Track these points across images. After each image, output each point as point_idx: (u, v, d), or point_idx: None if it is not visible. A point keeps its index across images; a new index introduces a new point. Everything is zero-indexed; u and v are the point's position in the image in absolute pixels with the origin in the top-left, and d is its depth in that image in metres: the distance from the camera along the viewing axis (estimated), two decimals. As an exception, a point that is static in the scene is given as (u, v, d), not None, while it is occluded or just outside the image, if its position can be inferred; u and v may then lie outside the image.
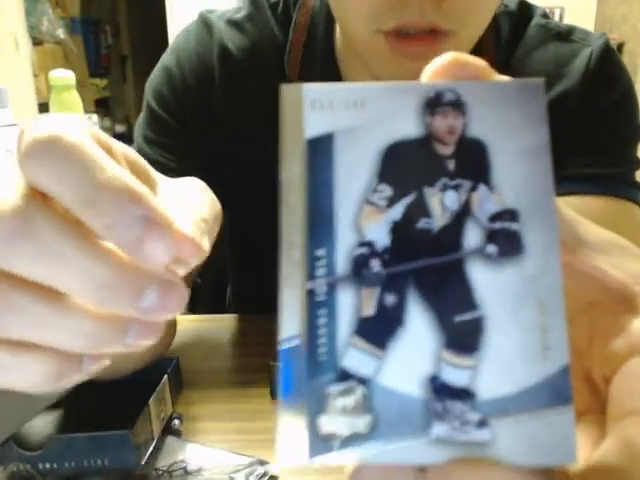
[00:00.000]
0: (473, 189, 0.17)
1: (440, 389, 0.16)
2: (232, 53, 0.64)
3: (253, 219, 0.66)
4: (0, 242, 0.20)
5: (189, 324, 0.69)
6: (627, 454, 0.16)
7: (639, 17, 2.66)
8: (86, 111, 1.38)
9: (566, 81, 0.62)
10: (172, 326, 0.59)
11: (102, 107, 3.99)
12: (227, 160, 0.65)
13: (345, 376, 0.16)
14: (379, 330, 0.17)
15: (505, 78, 0.18)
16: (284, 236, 0.17)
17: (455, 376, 0.16)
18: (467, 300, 0.17)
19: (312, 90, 0.18)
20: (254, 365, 0.60)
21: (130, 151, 0.26)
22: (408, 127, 0.17)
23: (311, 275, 0.17)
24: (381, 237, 0.17)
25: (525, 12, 0.66)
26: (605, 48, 0.63)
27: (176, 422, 0.50)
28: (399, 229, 0.17)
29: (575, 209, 0.20)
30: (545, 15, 0.67)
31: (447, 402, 0.16)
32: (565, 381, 0.16)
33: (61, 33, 3.29)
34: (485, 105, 0.17)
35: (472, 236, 0.17)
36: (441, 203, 0.17)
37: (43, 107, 2.77)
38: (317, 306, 0.17)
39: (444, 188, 0.17)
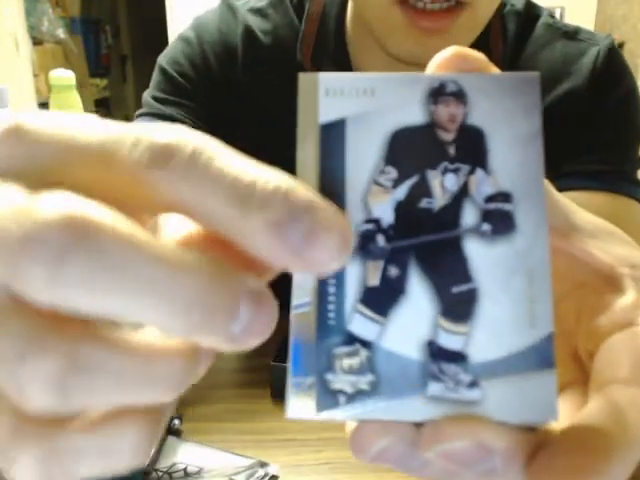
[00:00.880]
0: (471, 172, 0.19)
1: (436, 352, 0.18)
2: (257, 36, 0.66)
3: None
4: (46, 265, 0.14)
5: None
6: (607, 415, 0.17)
7: (639, 17, 2.66)
8: (86, 111, 1.38)
9: (573, 79, 0.63)
10: None
11: (102, 107, 3.99)
12: (242, 139, 0.66)
13: (351, 339, 0.18)
14: (382, 299, 0.18)
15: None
16: None
17: (450, 341, 0.18)
18: (463, 273, 0.18)
19: (326, 79, 0.19)
20: (254, 365, 0.60)
21: None
22: (413, 114, 0.19)
23: None
24: (386, 215, 0.19)
25: (532, 11, 0.67)
26: (611, 48, 0.64)
27: (176, 422, 0.50)
28: (403, 208, 0.19)
29: (577, 204, 0.21)
30: (552, 15, 0.68)
31: (442, 364, 0.18)
32: (549, 347, 0.18)
33: (61, 33, 3.29)
34: (484, 95, 0.19)
35: (469, 215, 0.19)
36: (442, 185, 0.19)
37: (43, 107, 2.77)
38: (327, 276, 0.18)
39: (445, 171, 0.19)
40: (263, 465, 0.46)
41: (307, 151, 0.19)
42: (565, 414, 0.19)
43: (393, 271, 0.18)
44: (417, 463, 0.18)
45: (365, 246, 0.18)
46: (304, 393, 0.18)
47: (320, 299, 0.18)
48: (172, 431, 0.49)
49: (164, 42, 2.55)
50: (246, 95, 0.66)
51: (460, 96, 0.19)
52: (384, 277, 0.18)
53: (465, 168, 0.19)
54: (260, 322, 0.16)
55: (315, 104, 0.19)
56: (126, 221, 0.15)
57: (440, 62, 0.19)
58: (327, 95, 0.19)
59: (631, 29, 2.69)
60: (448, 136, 0.19)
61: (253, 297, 0.16)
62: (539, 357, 0.18)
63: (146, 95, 0.67)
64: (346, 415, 0.18)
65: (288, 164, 0.20)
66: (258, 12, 0.67)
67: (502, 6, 0.66)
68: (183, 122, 0.63)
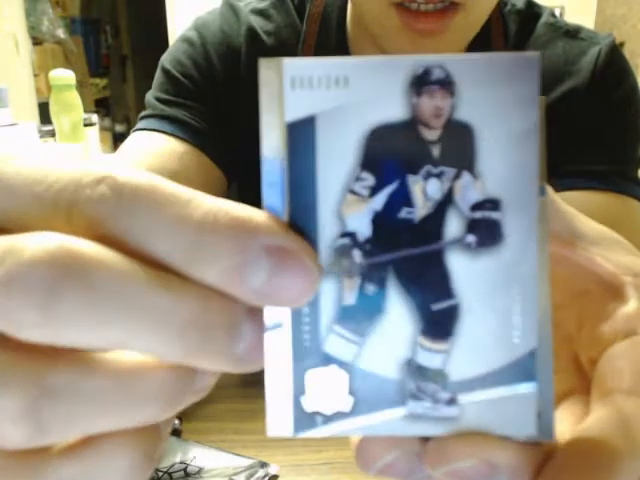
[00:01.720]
0: (457, 177, 0.17)
1: (415, 371, 0.17)
2: (260, 36, 0.66)
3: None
4: (37, 304, 0.13)
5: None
6: (611, 426, 0.17)
7: (639, 17, 2.65)
8: (86, 111, 1.38)
9: (575, 78, 0.63)
10: None
11: (102, 107, 3.99)
12: (245, 139, 0.66)
13: (327, 360, 0.17)
14: (359, 318, 0.17)
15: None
16: None
17: (429, 359, 0.17)
18: (444, 289, 0.17)
19: (292, 66, 0.16)
20: (254, 365, 0.60)
21: None
22: (393, 109, 0.16)
23: None
24: (363, 227, 0.17)
25: (533, 10, 0.67)
26: (612, 47, 0.64)
27: (176, 422, 0.50)
28: (381, 219, 0.17)
29: (578, 204, 0.21)
30: (553, 14, 0.68)
31: (421, 383, 0.17)
32: (531, 363, 0.17)
33: (61, 33, 3.29)
34: (475, 83, 0.16)
35: (453, 225, 0.17)
36: (423, 192, 0.17)
37: (43, 107, 2.76)
38: None
39: (427, 176, 0.17)
40: (263, 465, 0.46)
41: (272, 155, 0.17)
42: (567, 423, 0.19)
43: (370, 288, 0.17)
44: (422, 477, 0.18)
45: (340, 262, 0.17)
46: (282, 413, 0.17)
47: (294, 319, 0.17)
48: (172, 431, 0.49)
49: (164, 42, 2.55)
50: (249, 95, 0.66)
51: (447, 85, 0.16)
52: (361, 295, 0.17)
53: (450, 172, 0.17)
54: (261, 341, 0.16)
55: (280, 98, 0.16)
56: (109, 251, 0.14)
57: None
58: (293, 87, 0.16)
59: (631, 29, 2.69)
60: (432, 134, 0.17)
61: (255, 315, 0.16)
62: (519, 371, 0.17)
63: (149, 96, 0.67)
64: (325, 434, 0.18)
65: None
66: (260, 13, 0.67)
67: (503, 5, 0.66)
68: (187, 123, 0.63)
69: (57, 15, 3.35)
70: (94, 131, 1.42)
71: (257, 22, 0.67)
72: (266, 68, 0.16)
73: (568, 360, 0.21)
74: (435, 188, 0.17)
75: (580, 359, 0.21)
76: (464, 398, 0.17)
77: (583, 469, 0.16)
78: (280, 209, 0.17)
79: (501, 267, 0.17)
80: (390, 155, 0.17)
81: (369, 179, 0.17)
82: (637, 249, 0.22)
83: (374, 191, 0.17)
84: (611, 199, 0.61)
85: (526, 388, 0.17)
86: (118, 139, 3.76)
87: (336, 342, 0.17)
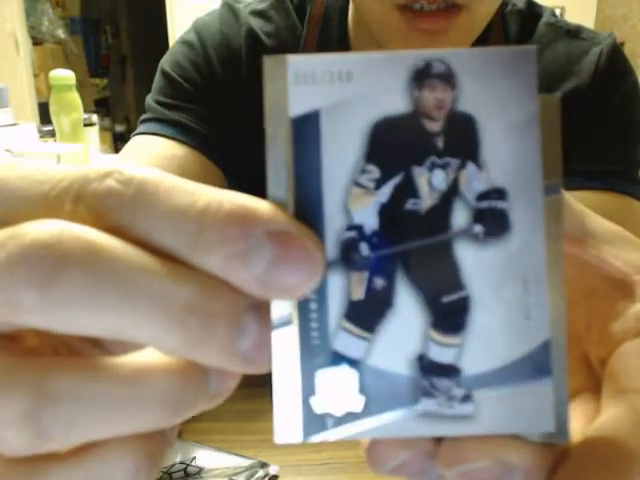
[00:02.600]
0: (461, 167, 0.17)
1: (427, 367, 0.17)
2: (260, 38, 0.66)
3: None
4: (39, 286, 0.13)
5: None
6: (624, 425, 0.17)
7: (639, 17, 2.66)
8: (86, 111, 1.38)
9: (576, 78, 0.63)
10: None
11: (102, 107, 3.99)
12: (246, 140, 0.66)
13: (336, 359, 0.17)
14: (368, 313, 0.17)
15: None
16: None
17: (441, 354, 0.17)
18: (454, 280, 0.17)
19: (296, 62, 0.17)
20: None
21: None
22: (395, 102, 0.17)
23: None
24: (370, 220, 0.17)
25: (534, 10, 0.67)
26: (614, 47, 0.64)
27: (176, 422, 0.50)
28: (387, 211, 0.17)
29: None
30: (553, 14, 0.68)
31: (434, 379, 0.17)
32: (546, 355, 0.17)
33: (61, 33, 3.29)
34: (475, 76, 0.17)
35: (460, 216, 0.17)
36: (429, 183, 0.17)
37: (43, 107, 2.76)
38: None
39: (432, 167, 0.17)
40: (263, 465, 0.46)
41: (277, 151, 0.17)
42: (578, 422, 0.19)
43: (379, 282, 0.17)
44: (434, 476, 0.17)
45: (347, 256, 0.17)
46: (290, 418, 0.17)
47: (302, 316, 0.17)
48: (172, 431, 0.49)
49: (164, 42, 2.55)
50: (250, 96, 0.66)
51: (448, 78, 0.17)
52: (369, 289, 0.17)
53: (455, 162, 0.17)
54: (267, 334, 0.15)
55: (284, 94, 0.17)
56: (111, 237, 0.14)
57: None
58: (297, 83, 0.17)
59: (631, 29, 2.69)
60: (435, 126, 0.17)
61: (259, 310, 0.15)
62: (535, 366, 0.17)
63: (149, 100, 0.67)
64: (335, 437, 0.17)
65: None
66: (260, 14, 0.67)
67: (503, 5, 0.66)
68: (187, 126, 0.63)
69: (57, 15, 3.35)
70: (94, 131, 1.42)
71: (257, 23, 0.66)
72: (270, 65, 0.17)
73: (577, 359, 0.21)
74: (440, 179, 0.17)
75: (589, 358, 0.21)
76: (479, 394, 0.17)
77: (599, 470, 0.16)
78: (285, 203, 0.17)
79: (509, 256, 0.17)
80: (394, 147, 0.17)
81: (374, 171, 0.17)
82: None
83: (379, 183, 0.17)
84: (612, 199, 0.61)
85: (542, 382, 0.17)
86: (118, 139, 3.76)
87: (345, 339, 0.17)
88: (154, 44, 2.71)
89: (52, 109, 1.31)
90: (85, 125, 1.35)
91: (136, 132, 0.66)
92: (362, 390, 0.17)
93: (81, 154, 1.11)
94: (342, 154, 0.17)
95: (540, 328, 0.17)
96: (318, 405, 0.17)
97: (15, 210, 0.15)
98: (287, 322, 0.17)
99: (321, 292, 0.17)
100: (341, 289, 0.17)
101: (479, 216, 0.17)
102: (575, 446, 0.17)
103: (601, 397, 0.19)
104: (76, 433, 0.14)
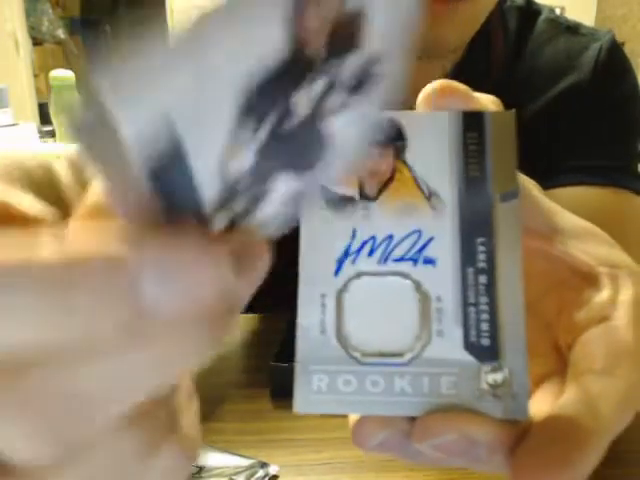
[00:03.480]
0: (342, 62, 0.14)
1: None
2: None
3: None
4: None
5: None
6: (580, 405, 0.19)
7: (639, 17, 2.66)
8: (86, 111, 1.37)
9: (576, 74, 0.64)
10: None
11: (102, 107, 3.99)
12: None
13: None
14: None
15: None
16: None
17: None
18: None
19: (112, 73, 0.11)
20: (254, 365, 0.60)
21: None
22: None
23: None
24: (247, 162, 0.14)
25: (532, 7, 0.68)
26: (613, 43, 0.65)
27: (176, 422, 0.50)
28: (266, 145, 0.14)
29: (579, 199, 0.22)
30: (552, 10, 0.69)
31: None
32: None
33: (61, 33, 3.29)
34: None
35: (334, 99, 0.14)
36: (308, 96, 0.14)
37: (43, 107, 2.76)
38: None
39: (311, 81, 0.14)
40: (263, 465, 0.46)
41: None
42: (546, 403, 0.20)
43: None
44: (412, 451, 0.19)
45: (232, 208, 0.15)
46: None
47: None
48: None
49: (164, 42, 2.55)
50: None
51: None
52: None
53: (336, 62, 0.14)
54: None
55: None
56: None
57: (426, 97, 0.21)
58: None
59: (631, 29, 2.69)
60: (318, 49, 0.13)
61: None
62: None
63: None
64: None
65: None
66: None
67: (502, 1, 0.66)
68: None
69: (57, 15, 3.35)
70: (94, 131, 1.42)
71: None
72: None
73: (548, 345, 0.23)
74: (320, 86, 0.14)
75: (559, 344, 0.23)
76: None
77: (555, 446, 0.18)
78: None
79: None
80: (269, 89, 0.13)
81: (250, 122, 0.14)
82: (638, 242, 0.23)
83: (256, 128, 0.14)
84: (612, 194, 0.61)
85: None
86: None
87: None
88: (154, 44, 2.70)
89: (52, 109, 1.31)
90: (85, 125, 1.35)
91: None
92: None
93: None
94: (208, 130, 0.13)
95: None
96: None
97: None
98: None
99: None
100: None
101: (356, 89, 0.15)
102: (536, 423, 0.19)
103: (566, 379, 0.20)
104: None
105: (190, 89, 0.12)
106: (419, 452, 0.19)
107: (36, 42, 3.14)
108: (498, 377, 0.19)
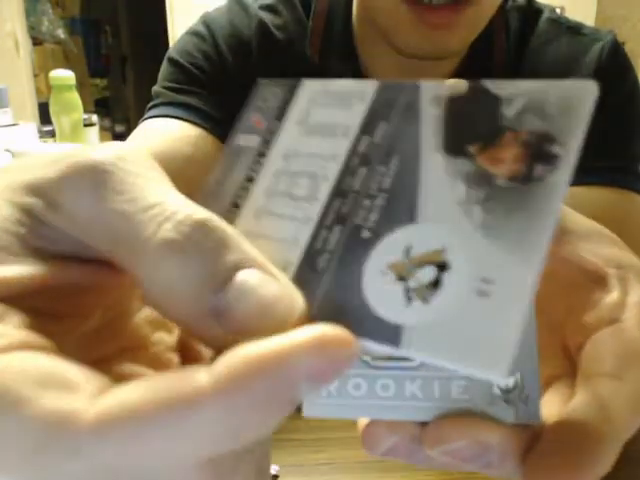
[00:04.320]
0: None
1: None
2: (271, 31, 0.66)
3: None
4: None
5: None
6: (592, 409, 0.19)
7: (639, 17, 2.66)
8: (86, 111, 1.38)
9: (578, 74, 0.64)
10: None
11: (102, 107, 3.99)
12: None
13: None
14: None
15: None
16: None
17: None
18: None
19: None
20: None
21: None
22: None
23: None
24: None
25: (534, 7, 0.68)
26: (615, 44, 0.65)
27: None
28: None
29: (582, 199, 0.22)
30: (553, 10, 0.69)
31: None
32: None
33: (61, 33, 3.29)
34: None
35: None
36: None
37: (43, 107, 2.76)
38: None
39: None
40: (263, 465, 0.46)
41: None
42: (555, 405, 0.20)
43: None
44: (423, 456, 0.19)
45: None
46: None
47: None
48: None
49: (164, 42, 2.55)
50: None
51: None
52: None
53: None
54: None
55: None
56: None
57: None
58: None
59: (631, 29, 2.69)
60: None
61: None
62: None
63: (156, 88, 0.66)
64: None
65: None
66: (269, 8, 0.68)
67: (504, 1, 0.66)
68: (199, 108, 0.63)
69: (57, 15, 3.35)
70: (94, 131, 1.42)
71: (267, 17, 0.67)
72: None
73: (558, 346, 0.23)
74: None
75: (569, 346, 0.22)
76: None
77: (566, 450, 0.18)
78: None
79: None
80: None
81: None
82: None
83: None
84: (615, 194, 0.61)
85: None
86: (118, 139, 3.74)
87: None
88: (154, 44, 2.71)
89: (52, 109, 1.31)
90: (85, 125, 1.35)
91: (145, 117, 0.66)
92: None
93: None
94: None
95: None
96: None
97: None
98: None
99: None
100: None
101: None
102: (547, 428, 0.19)
103: (576, 381, 0.20)
104: None
105: None
106: (429, 457, 0.19)
107: (36, 42, 3.14)
108: (510, 381, 0.19)
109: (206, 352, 0.20)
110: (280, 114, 0.20)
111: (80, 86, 1.42)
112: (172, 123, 0.63)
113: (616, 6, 2.78)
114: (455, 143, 0.17)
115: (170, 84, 0.65)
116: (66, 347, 0.16)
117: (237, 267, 0.15)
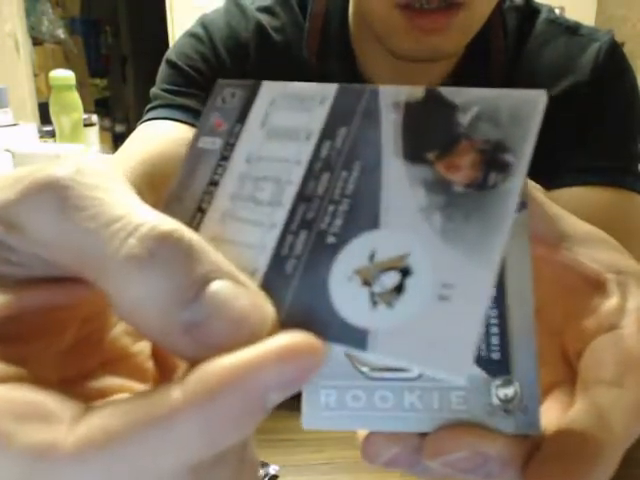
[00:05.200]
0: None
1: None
2: (269, 32, 0.67)
3: None
4: None
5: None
6: (592, 418, 0.18)
7: (639, 17, 2.66)
8: (86, 111, 1.37)
9: (576, 74, 0.64)
10: None
11: (102, 107, 3.99)
12: None
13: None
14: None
15: None
16: None
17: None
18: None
19: None
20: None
21: None
22: None
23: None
24: None
25: (532, 7, 0.68)
26: (612, 44, 0.65)
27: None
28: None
29: (581, 200, 0.22)
30: (552, 10, 0.69)
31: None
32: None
33: (61, 33, 3.29)
34: None
35: None
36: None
37: (43, 107, 2.76)
38: None
39: None
40: (263, 465, 0.46)
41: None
42: (555, 412, 0.20)
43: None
44: (422, 467, 0.19)
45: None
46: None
47: None
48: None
49: (164, 42, 2.55)
50: None
51: None
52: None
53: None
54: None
55: None
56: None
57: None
58: None
59: (631, 29, 2.69)
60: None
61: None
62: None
63: (155, 90, 0.66)
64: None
65: None
66: (267, 10, 0.68)
67: (502, 2, 0.66)
68: (197, 110, 0.63)
69: (57, 15, 3.35)
70: (94, 131, 1.42)
71: (265, 19, 0.67)
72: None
73: (557, 353, 0.22)
74: None
75: (568, 352, 0.22)
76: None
77: (567, 460, 0.18)
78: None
79: None
80: None
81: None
82: None
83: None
84: (614, 194, 0.61)
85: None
86: (118, 139, 3.75)
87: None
88: (154, 44, 2.71)
89: (52, 109, 1.31)
90: (85, 125, 1.35)
91: (143, 120, 0.66)
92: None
93: (81, 154, 1.11)
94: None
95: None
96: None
97: None
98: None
99: None
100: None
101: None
102: (547, 437, 0.19)
103: (576, 389, 0.20)
104: None
105: None
106: (429, 468, 0.19)
107: (36, 42, 3.14)
108: (509, 391, 0.19)
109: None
110: (241, 116, 0.20)
111: (80, 86, 1.42)
112: (170, 125, 0.63)
113: (616, 6, 2.78)
114: (414, 150, 0.17)
115: (168, 86, 0.65)
116: (43, 367, 0.17)
117: (206, 279, 0.15)
